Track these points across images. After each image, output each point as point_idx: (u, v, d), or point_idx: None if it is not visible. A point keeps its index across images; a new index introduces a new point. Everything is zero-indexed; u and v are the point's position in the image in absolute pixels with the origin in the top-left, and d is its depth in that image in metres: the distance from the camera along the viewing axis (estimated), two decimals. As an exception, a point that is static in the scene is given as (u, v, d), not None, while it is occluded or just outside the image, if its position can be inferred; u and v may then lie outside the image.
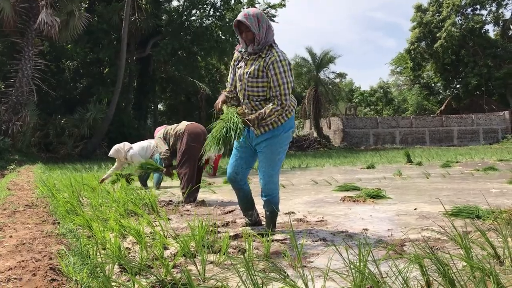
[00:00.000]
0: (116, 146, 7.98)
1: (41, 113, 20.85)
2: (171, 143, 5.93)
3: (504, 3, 41.44)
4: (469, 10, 42.50)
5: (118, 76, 23.16)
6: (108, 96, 23.28)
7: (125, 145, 7.95)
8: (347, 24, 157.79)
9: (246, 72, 3.35)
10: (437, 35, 41.62)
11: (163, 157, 5.95)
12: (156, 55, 26.50)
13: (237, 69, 3.49)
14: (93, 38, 24.98)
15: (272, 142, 3.39)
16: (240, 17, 3.32)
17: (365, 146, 34.80)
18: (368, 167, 11.59)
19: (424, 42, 44.10)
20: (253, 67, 3.32)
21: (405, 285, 1.88)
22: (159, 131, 6.20)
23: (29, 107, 19.37)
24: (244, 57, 3.44)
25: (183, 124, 5.95)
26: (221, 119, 3.32)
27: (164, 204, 5.35)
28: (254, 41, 3.31)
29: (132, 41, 26.01)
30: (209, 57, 30.78)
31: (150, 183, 8.10)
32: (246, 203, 3.75)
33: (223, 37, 28.68)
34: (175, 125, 6.10)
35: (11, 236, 2.73)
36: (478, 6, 42.25)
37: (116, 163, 8.10)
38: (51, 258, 2.13)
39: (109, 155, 8.24)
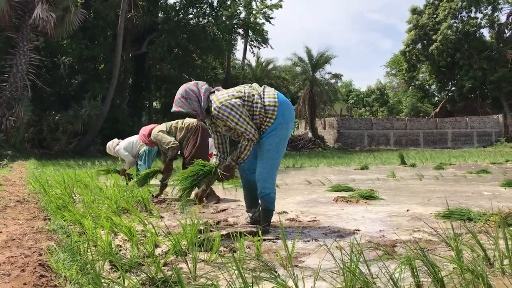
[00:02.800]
0: (108, 143, 8.25)
1: (35, 109, 20.74)
2: (178, 137, 5.83)
3: (500, 7, 41.64)
4: (464, 13, 42.68)
5: (113, 73, 23.08)
6: (103, 93, 23.19)
7: (113, 141, 8.17)
8: (344, 25, 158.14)
9: (219, 131, 3.72)
10: (433, 37, 41.78)
11: (173, 146, 5.73)
12: (152, 52, 26.44)
13: (212, 128, 3.77)
14: (89, 34, 24.88)
15: (262, 142, 3.57)
16: (173, 108, 3.65)
17: (359, 147, 34.88)
18: (362, 168, 11.61)
19: (419, 44, 44.25)
20: (216, 124, 3.65)
21: (395, 286, 1.88)
22: (154, 128, 6.13)
23: (23, 102, 19.26)
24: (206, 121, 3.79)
25: (191, 120, 5.87)
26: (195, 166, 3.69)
27: (156, 202, 5.33)
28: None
29: (128, 38, 25.92)
30: (205, 55, 30.75)
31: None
32: (249, 197, 3.87)
33: (219, 36, 28.65)
34: (177, 121, 6.00)
35: (0, 232, 2.71)
36: (473, 9, 42.44)
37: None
38: (40, 254, 2.11)
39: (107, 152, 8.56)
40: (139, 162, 7.70)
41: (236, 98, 3.48)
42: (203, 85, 3.65)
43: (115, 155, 8.25)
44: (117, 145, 8.04)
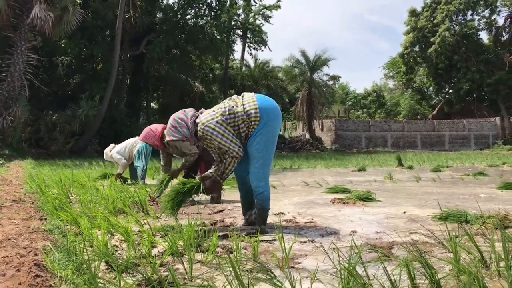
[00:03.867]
0: (105, 150, 8.36)
1: (32, 109, 20.67)
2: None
3: (497, 9, 41.77)
4: (462, 16, 42.74)
5: (111, 73, 23.04)
6: (101, 93, 23.14)
7: (110, 146, 8.28)
8: (342, 26, 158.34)
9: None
10: (431, 40, 41.85)
11: (195, 153, 5.52)
12: (150, 52, 26.40)
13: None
14: (87, 34, 24.83)
15: (250, 143, 3.69)
16: (165, 138, 4.06)
17: (357, 148, 34.91)
18: (359, 170, 11.62)
19: (417, 46, 44.32)
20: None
21: (392, 287, 1.88)
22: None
23: (21, 102, 19.21)
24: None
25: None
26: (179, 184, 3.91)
27: (153, 203, 5.32)
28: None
29: (126, 38, 25.88)
30: (203, 56, 30.75)
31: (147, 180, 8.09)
32: (246, 200, 3.94)
33: (218, 36, 28.65)
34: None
35: (-4, 231, 2.70)
36: (471, 12, 42.53)
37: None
38: (36, 254, 2.10)
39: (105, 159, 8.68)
40: (135, 163, 7.69)
41: (217, 116, 3.65)
42: (189, 111, 3.86)
43: (111, 160, 8.37)
44: (111, 150, 8.16)
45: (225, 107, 3.68)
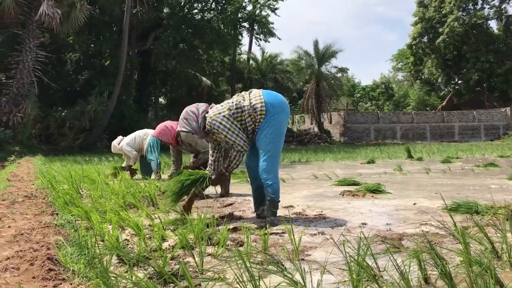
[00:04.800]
0: (112, 143, 8.35)
1: (42, 105, 20.83)
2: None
3: (508, -2, 41.25)
4: (471, 5, 42.27)
5: (119, 68, 23.13)
6: (109, 89, 23.24)
7: (117, 139, 8.26)
8: (349, 18, 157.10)
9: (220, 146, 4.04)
10: (439, 30, 41.45)
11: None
12: (158, 48, 26.45)
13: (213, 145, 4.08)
14: (95, 30, 24.91)
15: (258, 137, 3.76)
16: (177, 128, 4.21)
17: (366, 141, 34.78)
18: (369, 162, 11.58)
19: (426, 37, 43.92)
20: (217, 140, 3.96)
21: (402, 279, 1.88)
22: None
23: (30, 98, 19.37)
24: None
25: None
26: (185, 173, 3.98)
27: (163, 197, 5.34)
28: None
29: (133, 34, 25.94)
30: (210, 50, 30.73)
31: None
32: (257, 195, 3.96)
33: (225, 30, 28.60)
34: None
35: (9, 226, 2.73)
36: (480, 1, 42.04)
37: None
38: (48, 248, 2.13)
39: (112, 151, 8.65)
40: (148, 156, 7.71)
41: (225, 110, 3.76)
42: (202, 106, 3.96)
43: (119, 152, 8.31)
44: (120, 142, 8.14)
45: (232, 102, 3.80)
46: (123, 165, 8.28)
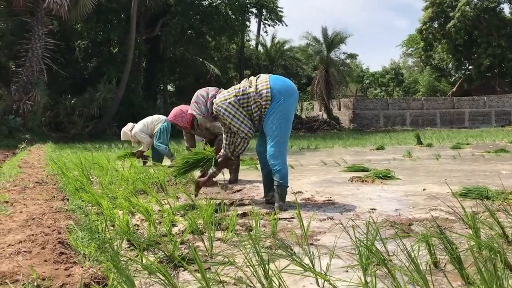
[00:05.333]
0: (123, 129, 8.32)
1: (51, 93, 20.92)
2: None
3: (521, -19, 40.45)
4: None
5: (127, 56, 23.12)
6: (118, 76, 23.28)
7: (128, 125, 8.23)
8: (357, 3, 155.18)
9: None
10: (450, 14, 40.82)
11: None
12: (166, 35, 26.36)
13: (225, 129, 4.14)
14: (103, 18, 24.87)
15: (265, 123, 3.78)
16: (188, 111, 4.38)
17: (375, 127, 34.58)
18: (378, 149, 11.53)
19: (436, 22, 43.30)
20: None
21: (412, 263, 1.88)
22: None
23: (40, 86, 19.46)
24: None
25: None
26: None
27: (173, 183, 5.37)
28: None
29: (141, 21, 25.87)
30: (218, 37, 30.58)
31: (168, 161, 8.15)
32: (267, 181, 4.00)
33: (232, 16, 28.41)
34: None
35: (21, 212, 2.77)
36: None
37: (134, 145, 8.43)
38: (60, 233, 2.15)
39: (121, 139, 8.61)
40: (156, 142, 7.73)
41: (231, 97, 3.79)
42: (212, 91, 4.01)
43: (132, 139, 8.27)
44: (132, 129, 8.10)
45: (239, 88, 3.82)
46: (135, 151, 8.28)
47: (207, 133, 5.98)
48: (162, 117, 8.09)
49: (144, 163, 7.97)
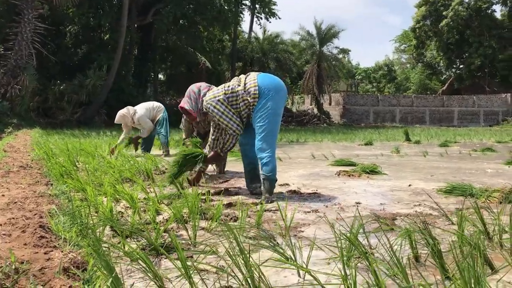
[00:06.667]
0: (120, 112, 7.78)
1: (40, 78, 20.66)
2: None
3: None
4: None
5: (118, 43, 22.89)
6: (108, 63, 23.04)
7: (129, 109, 7.77)
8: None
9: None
10: (443, 13, 41.01)
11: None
12: (158, 23, 26.12)
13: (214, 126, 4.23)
14: (95, 3, 24.56)
15: (253, 117, 3.85)
16: (181, 104, 4.49)
17: (365, 123, 34.73)
18: (366, 144, 11.59)
19: (429, 20, 43.47)
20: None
21: (393, 256, 1.89)
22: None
23: (28, 71, 19.20)
24: None
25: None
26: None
27: (160, 172, 5.35)
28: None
29: (133, 8, 25.57)
30: (211, 27, 30.37)
31: (156, 151, 8.10)
32: (248, 172, 4.08)
33: (226, 7, 28.24)
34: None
35: (3, 195, 2.73)
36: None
37: (124, 130, 7.93)
38: (41, 217, 2.13)
39: (115, 121, 8.06)
40: (159, 130, 7.68)
41: (220, 95, 3.88)
42: (204, 89, 4.20)
43: (128, 124, 7.73)
44: (135, 113, 7.65)
45: (228, 86, 3.93)
46: (121, 137, 8.03)
47: (208, 126, 5.83)
48: (161, 105, 8.06)
49: (136, 148, 7.85)
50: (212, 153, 4.12)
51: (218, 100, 3.85)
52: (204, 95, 4.04)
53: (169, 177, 4.09)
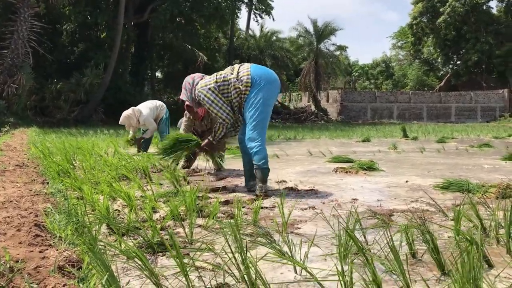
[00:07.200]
0: (125, 113, 7.40)
1: (37, 76, 20.58)
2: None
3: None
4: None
5: (115, 41, 22.83)
6: (105, 61, 22.97)
7: (133, 110, 7.39)
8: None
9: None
10: (440, 10, 41.02)
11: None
12: (154, 21, 26.04)
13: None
14: (91, 1, 24.47)
15: (244, 107, 3.86)
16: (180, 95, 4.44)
17: (362, 120, 34.74)
18: (364, 141, 11.58)
19: (425, 16, 43.48)
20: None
21: (390, 252, 1.89)
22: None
23: (25, 69, 19.14)
24: None
25: None
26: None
27: (157, 170, 5.34)
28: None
29: (130, 6, 25.49)
30: (208, 25, 30.30)
31: (153, 149, 8.06)
32: (248, 168, 4.02)
33: (223, 4, 28.17)
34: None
35: (-1, 194, 2.72)
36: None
37: (130, 131, 7.71)
38: (36, 215, 2.12)
39: (119, 123, 7.68)
40: (162, 127, 7.66)
41: (211, 83, 3.90)
42: (198, 78, 4.12)
43: (135, 125, 7.45)
44: (140, 114, 7.33)
45: (221, 74, 3.94)
46: (130, 136, 7.77)
47: (208, 124, 5.78)
48: (163, 104, 7.99)
49: (140, 149, 7.64)
50: (205, 141, 4.21)
51: (209, 89, 3.88)
52: (197, 84, 4.04)
53: (160, 153, 4.20)
